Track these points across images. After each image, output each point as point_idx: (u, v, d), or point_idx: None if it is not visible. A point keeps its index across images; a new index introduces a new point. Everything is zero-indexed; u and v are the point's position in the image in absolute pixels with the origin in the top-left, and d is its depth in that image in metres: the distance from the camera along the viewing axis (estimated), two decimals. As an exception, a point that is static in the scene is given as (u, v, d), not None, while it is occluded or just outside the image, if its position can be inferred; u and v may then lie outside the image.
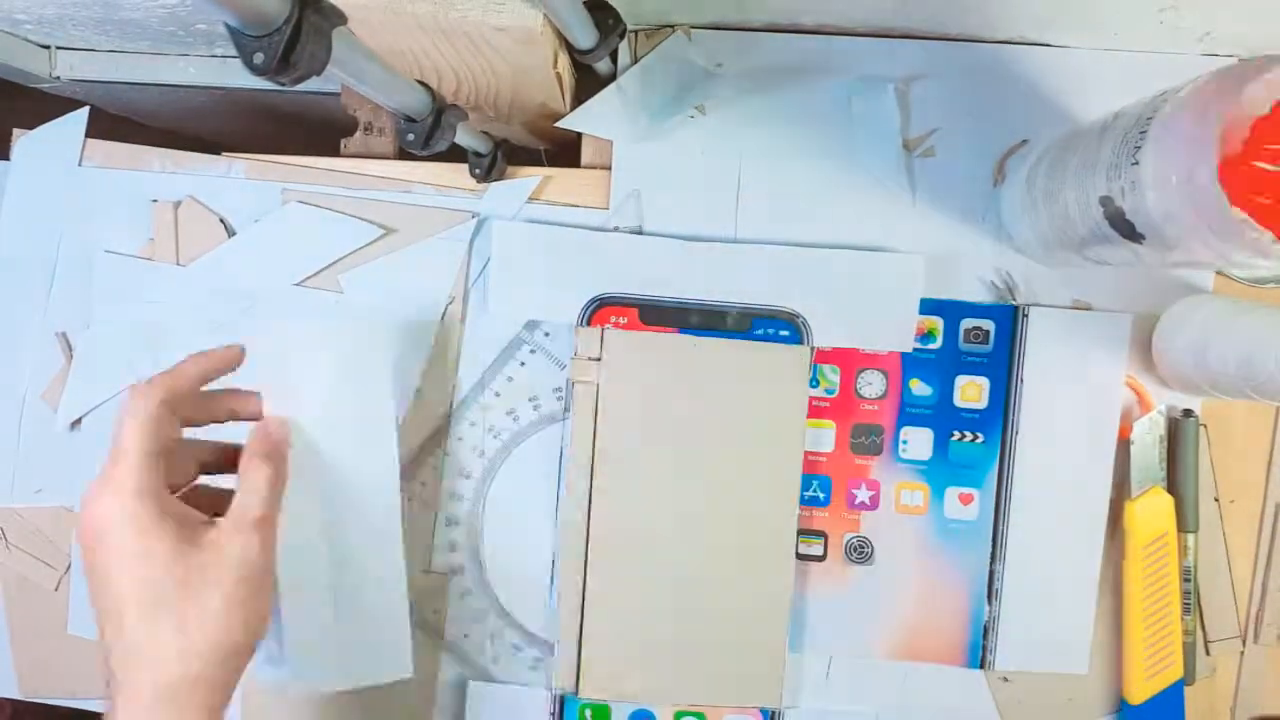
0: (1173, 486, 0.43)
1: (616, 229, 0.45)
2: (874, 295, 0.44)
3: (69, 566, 0.47)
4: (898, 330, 0.44)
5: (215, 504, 0.35)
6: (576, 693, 0.43)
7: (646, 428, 0.43)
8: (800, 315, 0.44)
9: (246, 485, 0.35)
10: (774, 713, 0.44)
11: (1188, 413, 0.43)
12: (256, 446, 0.36)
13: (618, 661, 0.43)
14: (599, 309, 0.44)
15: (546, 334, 0.45)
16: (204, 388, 0.36)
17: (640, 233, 0.45)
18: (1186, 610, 0.43)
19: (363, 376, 0.39)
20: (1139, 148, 0.30)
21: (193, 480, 0.37)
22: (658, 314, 0.44)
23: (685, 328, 0.44)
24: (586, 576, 0.43)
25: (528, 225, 0.45)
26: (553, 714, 0.44)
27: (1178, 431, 0.43)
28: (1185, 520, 0.43)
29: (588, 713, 0.44)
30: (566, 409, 0.44)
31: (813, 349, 0.44)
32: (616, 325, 0.44)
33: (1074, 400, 0.44)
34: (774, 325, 0.44)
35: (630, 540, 0.43)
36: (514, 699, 0.45)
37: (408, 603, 0.39)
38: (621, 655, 0.43)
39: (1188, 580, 0.43)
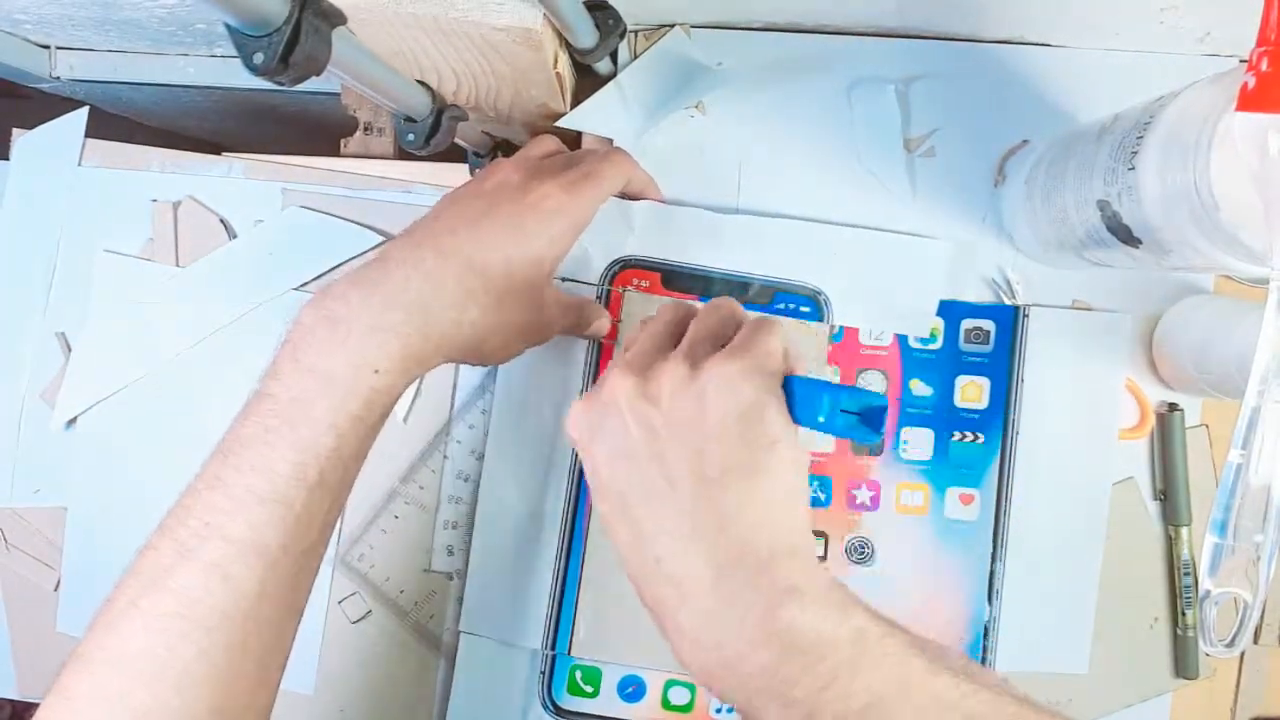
0: (1164, 480, 0.43)
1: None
2: (897, 277, 0.44)
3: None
4: (916, 313, 0.44)
5: None
6: (568, 653, 0.42)
7: None
8: (822, 292, 0.44)
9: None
10: None
11: (1173, 406, 0.43)
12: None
13: (610, 624, 0.42)
14: (622, 270, 0.44)
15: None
16: None
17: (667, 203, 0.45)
18: (1188, 604, 0.43)
19: None
20: (1135, 153, 0.30)
21: None
22: (680, 280, 0.44)
23: (706, 296, 0.44)
24: (587, 536, 0.43)
25: None
26: (543, 672, 0.43)
27: (1165, 426, 0.43)
28: (1178, 514, 0.43)
29: (578, 674, 0.43)
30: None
31: (833, 327, 0.44)
32: (638, 289, 0.44)
33: (1074, 400, 0.44)
34: (795, 300, 0.44)
35: None
36: (506, 654, 0.44)
37: None
38: (615, 619, 0.43)
39: (1187, 574, 0.43)
